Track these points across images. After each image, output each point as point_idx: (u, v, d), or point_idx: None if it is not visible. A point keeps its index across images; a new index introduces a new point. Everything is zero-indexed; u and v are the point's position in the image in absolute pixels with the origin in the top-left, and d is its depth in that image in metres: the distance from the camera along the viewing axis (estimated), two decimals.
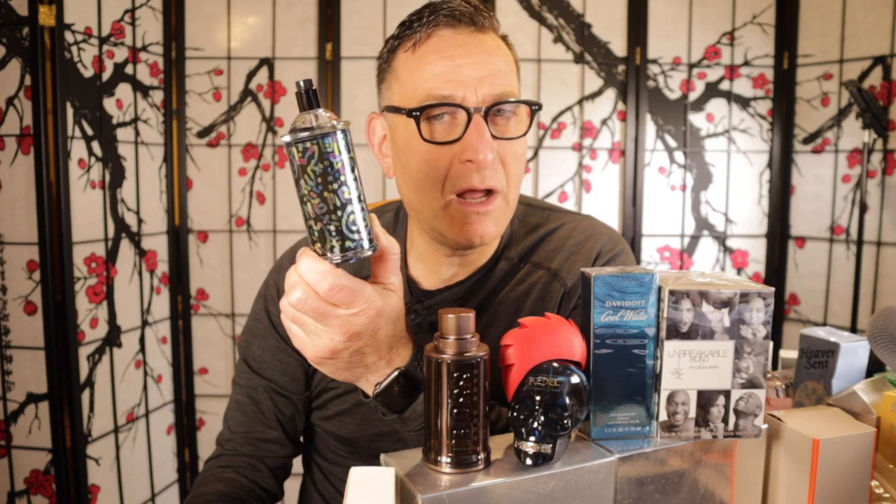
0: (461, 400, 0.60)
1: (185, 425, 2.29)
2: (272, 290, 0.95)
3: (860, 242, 2.11)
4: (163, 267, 2.21)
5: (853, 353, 0.84)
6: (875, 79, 2.12)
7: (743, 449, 0.68)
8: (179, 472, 2.30)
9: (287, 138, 0.59)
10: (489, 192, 0.80)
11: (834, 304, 2.27)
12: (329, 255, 0.61)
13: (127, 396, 2.04)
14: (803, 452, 0.67)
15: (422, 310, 0.89)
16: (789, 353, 1.00)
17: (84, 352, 1.86)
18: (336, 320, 0.62)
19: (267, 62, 2.23)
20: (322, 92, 2.21)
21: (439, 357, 0.61)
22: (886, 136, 2.08)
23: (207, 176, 2.26)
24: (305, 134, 0.59)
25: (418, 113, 0.78)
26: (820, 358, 0.85)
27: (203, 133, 2.25)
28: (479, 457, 0.60)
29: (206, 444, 2.31)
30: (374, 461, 0.61)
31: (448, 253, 0.87)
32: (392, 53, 0.83)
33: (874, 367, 0.86)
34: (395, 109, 0.81)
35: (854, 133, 2.19)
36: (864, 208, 2.10)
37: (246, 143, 2.26)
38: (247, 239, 2.28)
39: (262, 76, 2.23)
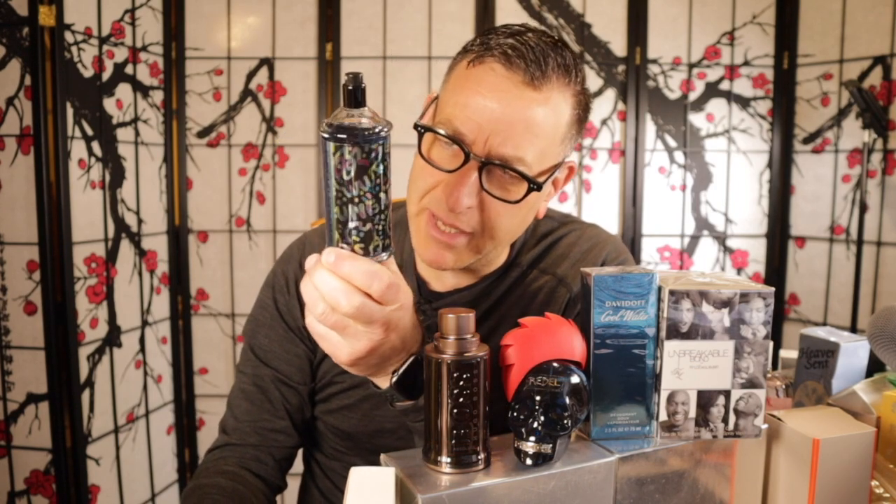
0: (461, 400, 0.60)
1: (185, 425, 2.29)
2: (280, 279, 0.94)
3: (860, 242, 2.11)
4: (163, 267, 2.21)
5: (853, 352, 0.85)
6: (875, 79, 2.12)
7: (743, 449, 0.68)
8: (179, 473, 2.30)
9: (346, 135, 0.57)
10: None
11: (834, 303, 2.27)
12: (373, 254, 0.60)
13: (127, 396, 2.04)
14: (803, 452, 0.67)
15: (430, 311, 0.90)
16: (789, 353, 1.00)
17: (84, 352, 1.86)
18: (381, 318, 0.61)
19: (267, 62, 2.23)
20: (322, 92, 2.21)
21: (439, 357, 0.61)
22: (886, 136, 2.08)
23: (207, 176, 2.26)
24: (377, 133, 0.57)
25: (422, 130, 0.78)
26: (820, 358, 0.86)
27: (203, 133, 2.25)
28: (480, 457, 0.60)
29: (207, 444, 2.30)
30: (374, 457, 0.61)
31: None
32: (462, 55, 0.82)
33: (874, 366, 0.86)
34: (427, 109, 0.82)
35: (854, 133, 2.19)
36: (864, 208, 2.09)
37: (246, 143, 2.26)
38: (247, 239, 2.28)
39: (262, 76, 2.23)
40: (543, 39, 0.78)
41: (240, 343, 2.30)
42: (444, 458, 0.59)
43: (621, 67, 2.29)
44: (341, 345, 0.62)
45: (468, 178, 0.76)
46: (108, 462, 1.96)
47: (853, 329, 2.14)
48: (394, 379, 0.67)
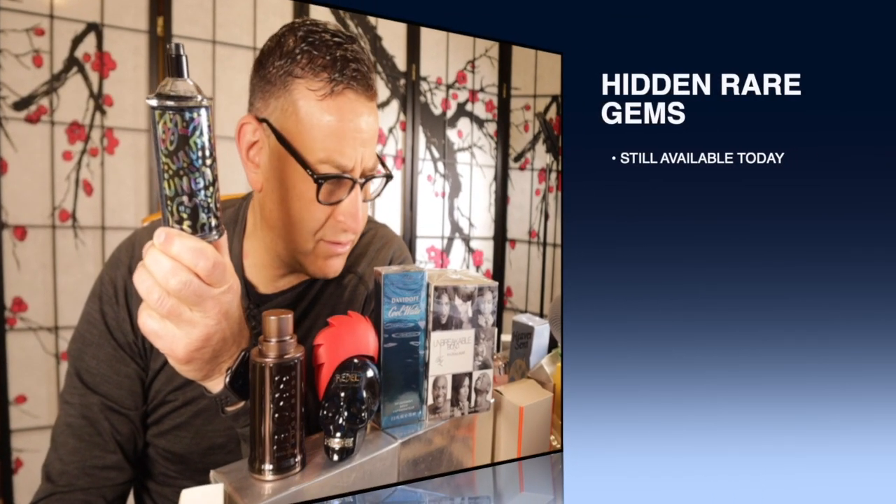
0: (281, 404, 0.51)
1: None
2: (108, 288, 0.68)
3: (545, 244, 2.36)
4: None
5: (541, 334, 0.84)
6: (552, 112, 2.33)
7: (479, 421, 0.67)
8: None
9: (171, 103, 0.43)
10: None
11: (531, 294, 2.51)
12: (201, 232, 0.46)
13: None
14: (514, 417, 0.68)
15: (259, 314, 0.74)
16: (508, 337, 0.97)
17: None
18: (211, 301, 0.47)
19: (95, 28, 1.64)
20: (154, 71, 1.74)
21: (262, 361, 0.52)
22: (559, 159, 2.34)
23: (26, 159, 1.57)
24: (195, 101, 0.43)
25: (321, 181, 0.62)
26: (523, 339, 0.84)
27: (21, 105, 1.63)
28: (297, 460, 0.52)
29: (26, 490, 1.36)
30: (205, 477, 0.50)
31: (288, 269, 0.73)
32: (289, 75, 0.62)
33: (553, 344, 0.86)
34: (293, 152, 0.63)
35: (542, 155, 2.42)
36: (546, 216, 2.35)
37: (71, 122, 1.67)
38: (72, 236, 1.62)
39: (89, 44, 1.64)
40: (361, 47, 0.67)
41: (64, 362, 1.53)
42: (267, 466, 0.50)
43: (402, 81, 2.21)
44: (177, 337, 0.48)
45: (358, 199, 0.65)
46: None
47: (542, 315, 2.41)
48: (227, 378, 0.54)
